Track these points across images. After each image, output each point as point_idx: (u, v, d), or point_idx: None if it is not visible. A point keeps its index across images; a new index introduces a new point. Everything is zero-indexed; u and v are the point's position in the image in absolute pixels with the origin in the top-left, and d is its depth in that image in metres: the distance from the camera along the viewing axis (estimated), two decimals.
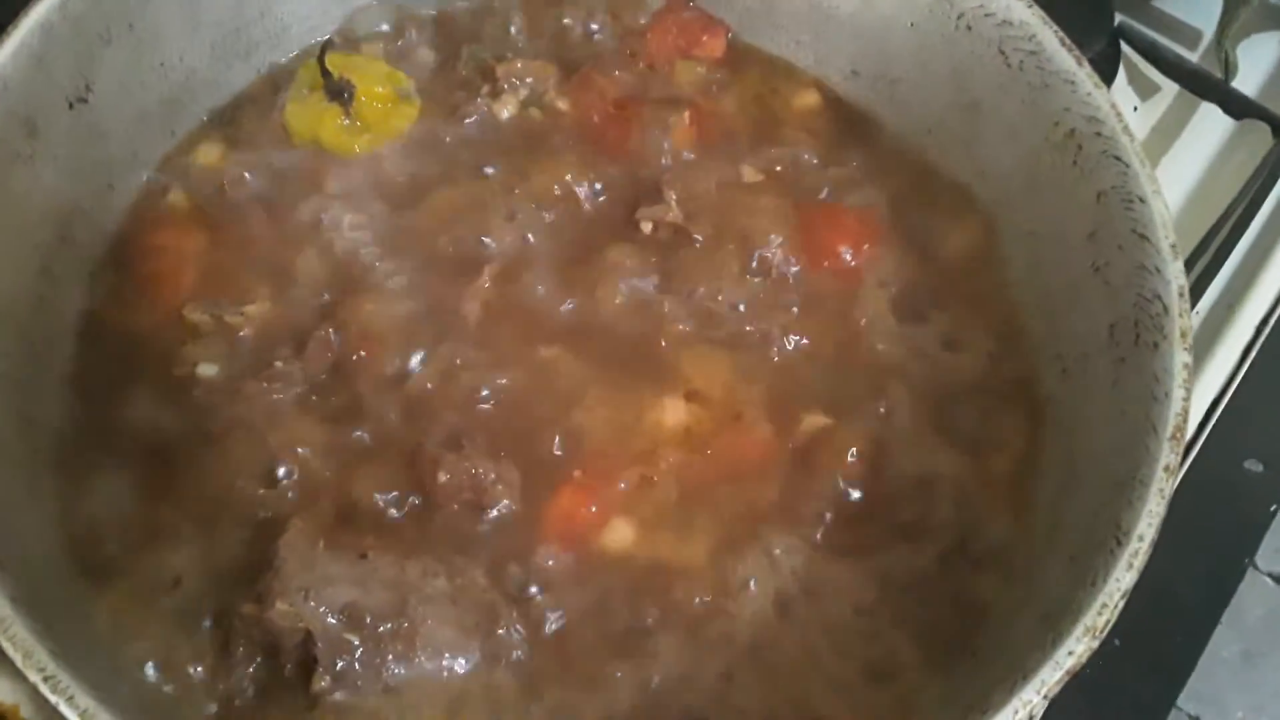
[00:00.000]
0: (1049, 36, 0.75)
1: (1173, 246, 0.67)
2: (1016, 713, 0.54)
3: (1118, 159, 0.71)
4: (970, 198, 0.83)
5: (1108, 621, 0.57)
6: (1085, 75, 0.74)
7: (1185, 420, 0.62)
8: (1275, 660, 1.90)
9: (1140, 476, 0.60)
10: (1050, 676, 0.55)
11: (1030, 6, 0.77)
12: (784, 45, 0.90)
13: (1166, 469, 0.60)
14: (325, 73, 0.84)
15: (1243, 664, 1.89)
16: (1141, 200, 0.69)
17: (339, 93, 0.84)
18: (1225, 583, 0.88)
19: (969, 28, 0.80)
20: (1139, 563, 0.58)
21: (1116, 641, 0.80)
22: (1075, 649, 0.56)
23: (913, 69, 0.84)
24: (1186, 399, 0.62)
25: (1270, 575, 1.99)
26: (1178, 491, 0.85)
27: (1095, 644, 0.56)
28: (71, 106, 0.75)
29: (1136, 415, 0.64)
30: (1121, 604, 0.58)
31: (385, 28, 0.90)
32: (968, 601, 0.67)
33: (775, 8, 0.89)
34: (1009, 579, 0.67)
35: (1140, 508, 0.59)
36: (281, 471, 0.70)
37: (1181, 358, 0.64)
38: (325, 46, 0.86)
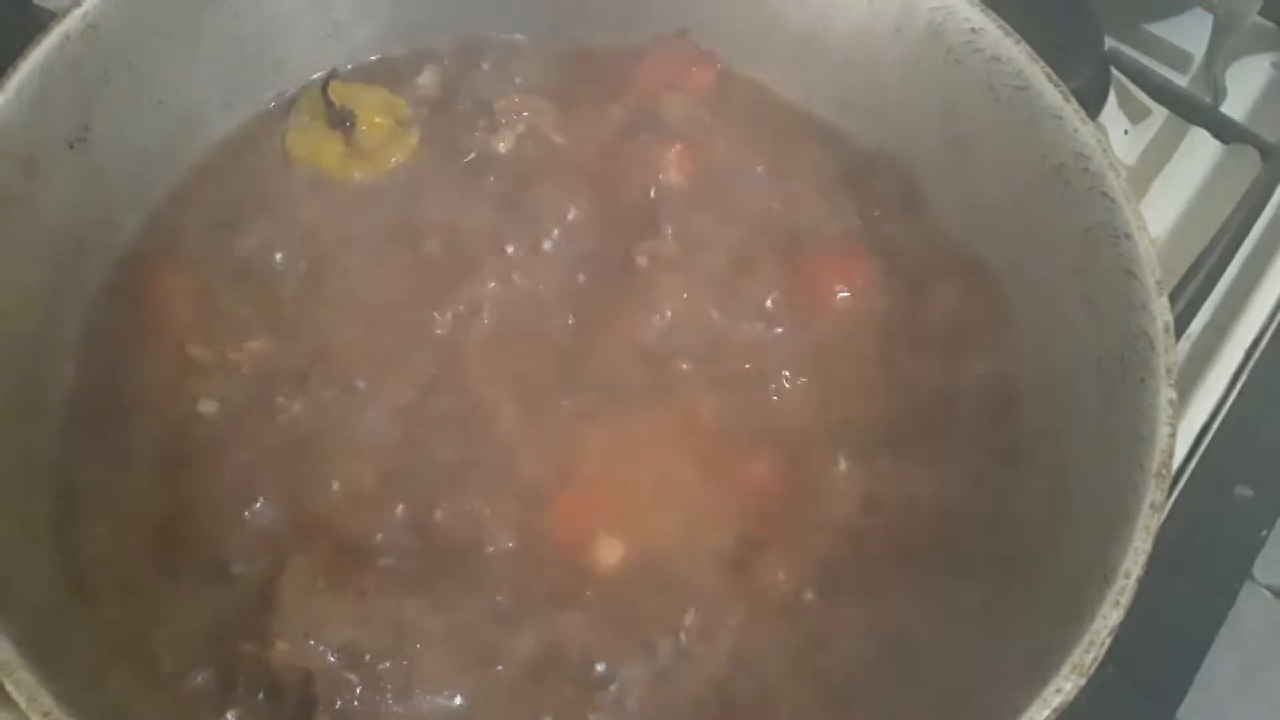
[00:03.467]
0: (1036, 73, 0.76)
1: (1158, 283, 0.68)
2: None
3: (1104, 195, 0.72)
4: (963, 233, 0.83)
5: (1095, 659, 0.57)
6: (1072, 111, 0.75)
7: (1170, 457, 0.62)
8: (1274, 674, 1.90)
9: (1127, 513, 0.61)
10: (1039, 715, 0.56)
11: (1018, 43, 0.78)
12: (775, 79, 0.91)
13: (1152, 506, 0.61)
14: (328, 102, 0.85)
15: (1242, 678, 1.89)
16: (1128, 236, 0.70)
17: (341, 121, 0.85)
18: (1218, 607, 0.89)
19: (958, 63, 0.81)
20: (1125, 600, 0.58)
21: (1110, 667, 0.81)
22: (1063, 687, 0.56)
23: (902, 103, 0.85)
24: (1172, 435, 0.63)
25: (1269, 588, 1.99)
26: (1170, 516, 0.87)
27: (1083, 681, 0.57)
28: (71, 146, 0.75)
29: (1123, 451, 0.65)
30: (1109, 641, 0.59)
31: (386, 63, 0.91)
32: (958, 636, 0.68)
33: (766, 42, 0.89)
34: (1000, 617, 0.68)
35: (1127, 545, 0.60)
36: (281, 509, 0.70)
37: (1167, 394, 0.64)
38: (330, 76, 0.87)
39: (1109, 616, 0.58)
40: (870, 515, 0.73)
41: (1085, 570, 0.61)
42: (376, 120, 0.86)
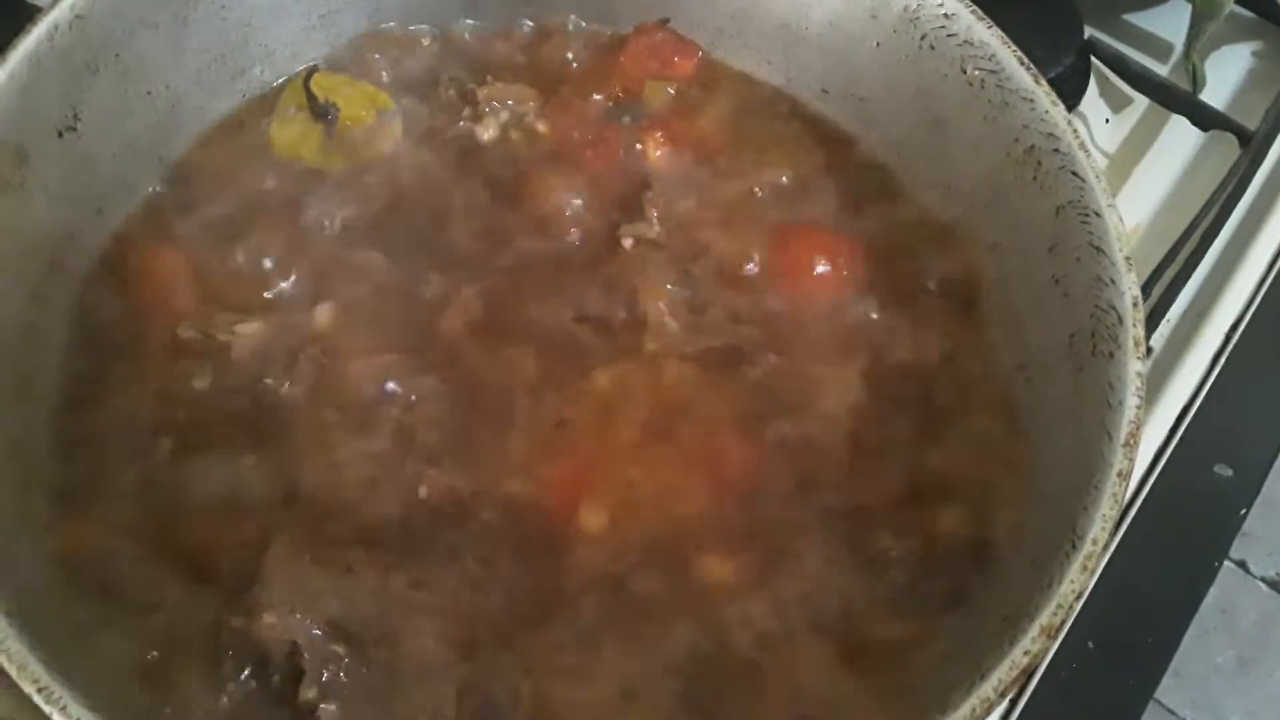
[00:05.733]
0: (1008, 56, 0.78)
1: (1127, 259, 0.69)
2: (974, 710, 0.56)
3: (1074, 174, 0.73)
4: (939, 215, 0.85)
5: (1063, 622, 0.58)
6: (1043, 94, 0.76)
7: (1139, 427, 0.64)
8: (1269, 666, 1.92)
9: (1095, 482, 0.62)
10: (1007, 675, 0.57)
11: (990, 27, 0.79)
12: (755, 65, 0.92)
13: (1120, 474, 0.62)
14: (310, 95, 0.86)
15: (1238, 670, 1.91)
16: (1097, 214, 0.71)
17: (323, 114, 0.86)
18: (1196, 585, 0.90)
19: (932, 48, 0.82)
20: (1093, 565, 0.59)
21: (1091, 644, 0.82)
22: (1031, 649, 0.57)
23: (880, 88, 0.86)
24: (1140, 406, 0.64)
25: (1263, 580, 2.01)
26: (1150, 495, 0.88)
27: (1051, 644, 0.58)
28: (60, 135, 0.77)
29: (1093, 422, 0.66)
30: (1078, 605, 0.60)
31: (370, 53, 0.92)
32: (935, 604, 0.69)
33: (746, 29, 0.91)
34: (974, 585, 0.69)
35: (1095, 512, 0.61)
36: (268, 487, 0.71)
37: (1135, 366, 0.66)
38: (311, 71, 0.88)
39: (1076, 581, 0.59)
40: (844, 489, 0.74)
41: (1056, 537, 0.62)
42: (359, 113, 0.87)
